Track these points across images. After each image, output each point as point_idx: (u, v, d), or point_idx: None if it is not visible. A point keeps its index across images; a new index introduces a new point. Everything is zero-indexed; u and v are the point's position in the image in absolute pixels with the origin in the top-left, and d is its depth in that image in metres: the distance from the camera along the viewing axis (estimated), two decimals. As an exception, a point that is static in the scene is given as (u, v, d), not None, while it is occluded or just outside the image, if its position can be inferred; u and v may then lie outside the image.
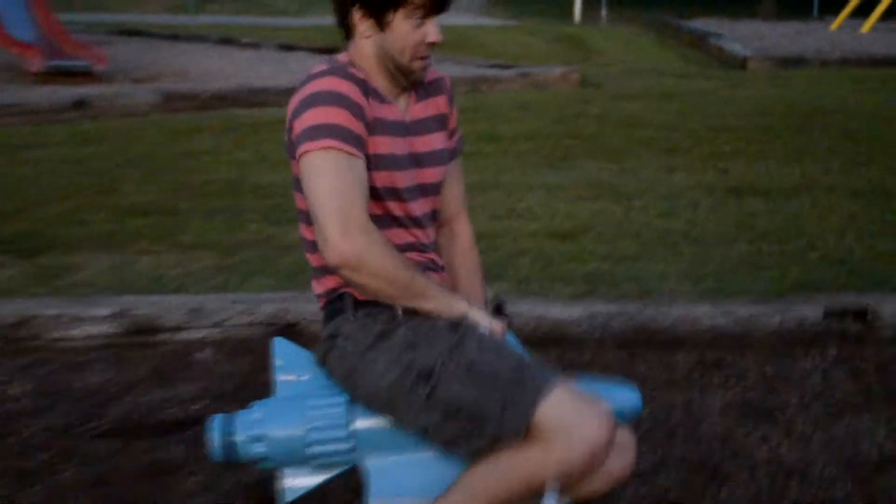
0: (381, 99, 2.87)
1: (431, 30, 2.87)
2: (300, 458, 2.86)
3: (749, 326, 5.33)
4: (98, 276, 5.92)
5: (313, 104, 2.75)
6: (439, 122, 3.04)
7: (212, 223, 6.96)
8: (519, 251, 6.29)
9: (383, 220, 2.89)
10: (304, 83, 2.83)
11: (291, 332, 5.20)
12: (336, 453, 2.85)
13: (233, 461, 2.91)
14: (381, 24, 2.85)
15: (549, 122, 10.78)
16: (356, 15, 2.87)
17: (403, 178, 2.91)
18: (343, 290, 2.91)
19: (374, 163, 2.83)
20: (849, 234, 6.86)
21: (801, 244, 6.62)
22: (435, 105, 3.04)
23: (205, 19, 20.78)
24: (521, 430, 2.66)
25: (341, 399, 2.86)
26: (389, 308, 2.85)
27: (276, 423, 2.86)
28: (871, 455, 4.21)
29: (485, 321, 2.84)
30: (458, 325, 2.80)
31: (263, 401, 2.95)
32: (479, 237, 6.62)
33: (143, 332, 5.23)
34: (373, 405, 2.83)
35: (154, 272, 5.97)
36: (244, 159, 8.98)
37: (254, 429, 2.86)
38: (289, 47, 17.08)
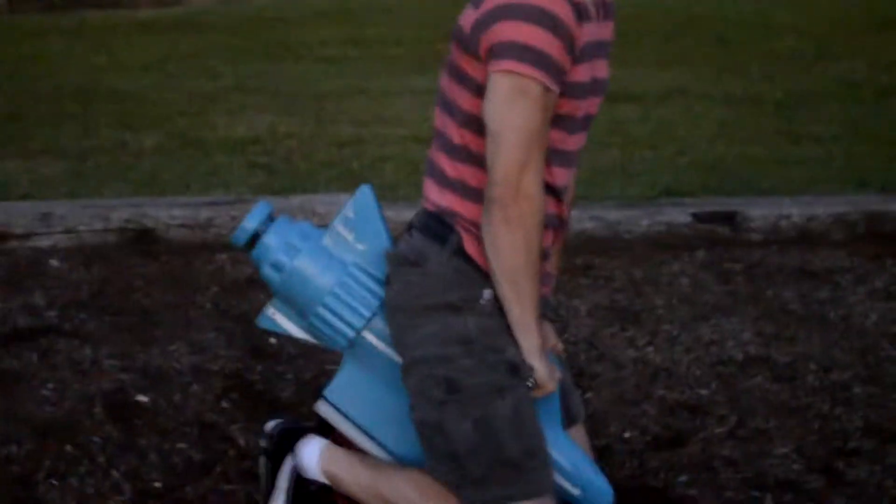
0: (588, 17, 2.49)
1: None
2: (298, 309, 2.71)
3: (618, 230, 5.27)
4: (-62, 182, 5.70)
5: (529, 19, 2.39)
6: (608, 49, 2.67)
7: (62, 129, 6.72)
8: (385, 157, 6.17)
9: (559, 157, 2.56)
10: None
11: (147, 238, 5.03)
12: (330, 338, 2.68)
13: (245, 250, 2.73)
14: None
15: (417, 26, 10.62)
16: None
17: (587, 106, 2.58)
18: (458, 222, 2.57)
19: (573, 91, 2.49)
20: (720, 140, 6.85)
21: (671, 150, 6.59)
22: (609, 31, 2.66)
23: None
24: None
25: (374, 302, 2.66)
26: (480, 283, 2.54)
27: (304, 266, 2.66)
28: (735, 355, 4.19)
29: (542, 377, 2.55)
30: (518, 370, 2.53)
31: (310, 230, 2.73)
32: (345, 143, 6.58)
33: (-9, 239, 5.03)
34: (395, 345, 2.63)
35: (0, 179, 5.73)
36: (97, 64, 8.69)
37: (284, 251, 2.68)
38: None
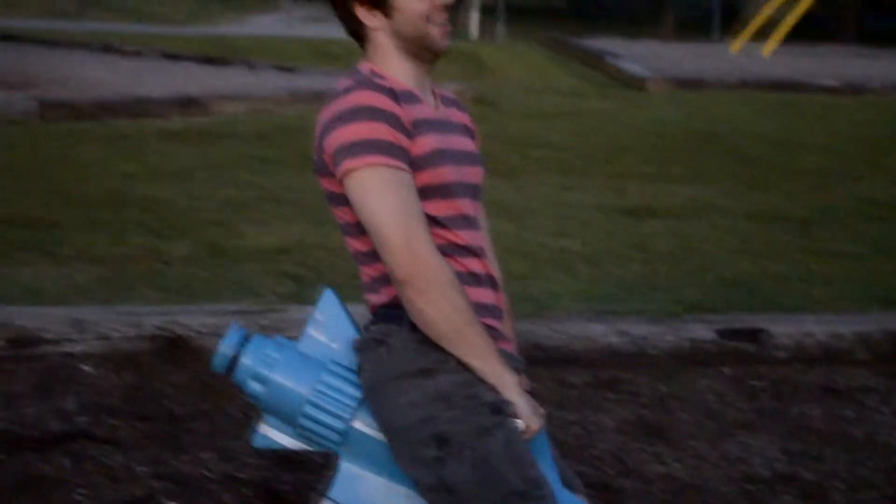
0: (415, 100, 2.75)
1: None
2: (287, 418, 2.77)
3: (643, 345, 5.31)
4: (-26, 288, 5.74)
5: (347, 120, 2.65)
6: (468, 132, 2.93)
7: (94, 236, 6.79)
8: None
9: (455, 221, 2.76)
10: (331, 100, 2.73)
11: (178, 345, 5.08)
12: (322, 436, 2.74)
13: (227, 376, 2.81)
14: (387, 9, 2.74)
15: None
16: (360, 12, 2.76)
17: (455, 173, 2.78)
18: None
19: (428, 161, 2.72)
20: (743, 255, 6.90)
21: (695, 265, 6.64)
22: (461, 117, 2.93)
23: (86, 26, 20.26)
24: None
25: (356, 393, 2.74)
26: (444, 348, 2.68)
27: (285, 374, 2.75)
28: (763, 473, 4.21)
29: (526, 413, 2.69)
30: (500, 409, 2.66)
31: (285, 342, 2.82)
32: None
33: (24, 343, 5.07)
34: (380, 425, 2.72)
35: (33, 284, 5.80)
36: (127, 171, 8.78)
37: (263, 366, 2.76)
38: (173, 56, 16.75)
